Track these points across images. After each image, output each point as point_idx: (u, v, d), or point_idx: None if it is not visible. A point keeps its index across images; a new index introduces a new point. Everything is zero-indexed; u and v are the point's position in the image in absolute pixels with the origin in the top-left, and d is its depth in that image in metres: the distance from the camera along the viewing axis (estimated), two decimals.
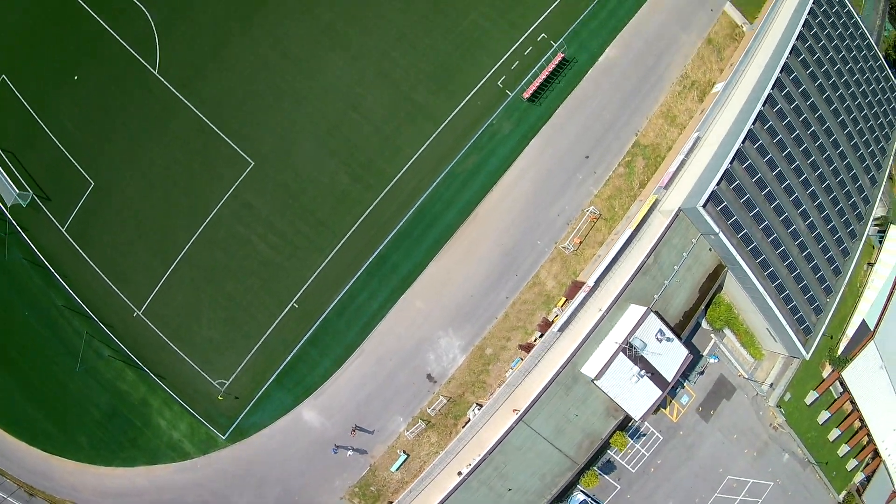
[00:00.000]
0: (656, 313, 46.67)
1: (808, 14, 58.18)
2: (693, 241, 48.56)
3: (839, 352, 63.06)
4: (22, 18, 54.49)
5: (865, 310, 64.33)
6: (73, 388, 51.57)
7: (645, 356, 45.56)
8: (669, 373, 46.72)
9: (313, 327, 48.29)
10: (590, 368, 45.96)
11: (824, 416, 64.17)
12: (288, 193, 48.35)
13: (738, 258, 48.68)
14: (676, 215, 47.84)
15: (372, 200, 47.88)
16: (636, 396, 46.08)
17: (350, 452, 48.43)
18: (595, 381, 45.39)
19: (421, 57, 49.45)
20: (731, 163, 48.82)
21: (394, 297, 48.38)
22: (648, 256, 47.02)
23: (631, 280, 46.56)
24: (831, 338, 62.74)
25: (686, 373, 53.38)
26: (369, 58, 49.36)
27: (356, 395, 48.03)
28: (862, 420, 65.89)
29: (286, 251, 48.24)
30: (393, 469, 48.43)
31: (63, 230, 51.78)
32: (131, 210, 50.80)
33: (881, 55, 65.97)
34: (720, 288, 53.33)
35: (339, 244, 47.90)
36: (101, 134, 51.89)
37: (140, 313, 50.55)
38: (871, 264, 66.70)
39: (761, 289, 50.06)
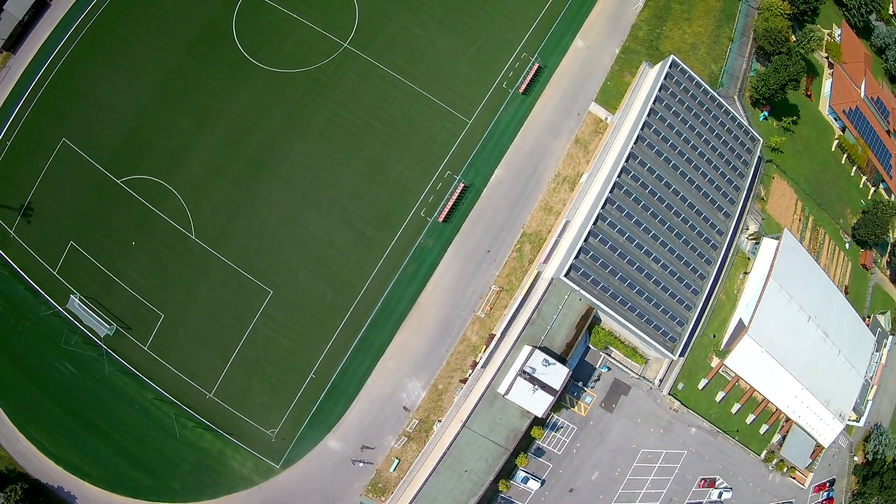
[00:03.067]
0: (541, 348, 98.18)
1: (655, 100, 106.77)
2: (565, 297, 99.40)
3: (722, 346, 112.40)
4: (79, 198, 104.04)
5: (742, 311, 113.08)
6: (166, 452, 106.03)
7: (536, 377, 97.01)
8: (557, 385, 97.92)
9: (326, 387, 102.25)
10: (503, 388, 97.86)
11: (720, 395, 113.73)
12: (296, 306, 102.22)
13: (599, 304, 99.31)
14: (550, 283, 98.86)
15: (350, 304, 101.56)
16: (536, 402, 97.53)
17: (362, 464, 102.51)
18: (506, 396, 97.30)
19: (368, 205, 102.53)
20: (584, 241, 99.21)
21: (375, 361, 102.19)
22: (533, 313, 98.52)
23: (523, 330, 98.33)
24: (714, 336, 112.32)
25: (583, 381, 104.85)
26: (334, 211, 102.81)
27: (361, 425, 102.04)
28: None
29: (302, 343, 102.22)
30: (391, 470, 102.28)
31: (146, 348, 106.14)
32: (194, 331, 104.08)
33: (734, 106, 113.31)
34: (598, 321, 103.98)
35: (335, 335, 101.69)
36: (162, 282, 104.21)
37: (211, 395, 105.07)
38: (746, 273, 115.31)
39: (622, 319, 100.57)
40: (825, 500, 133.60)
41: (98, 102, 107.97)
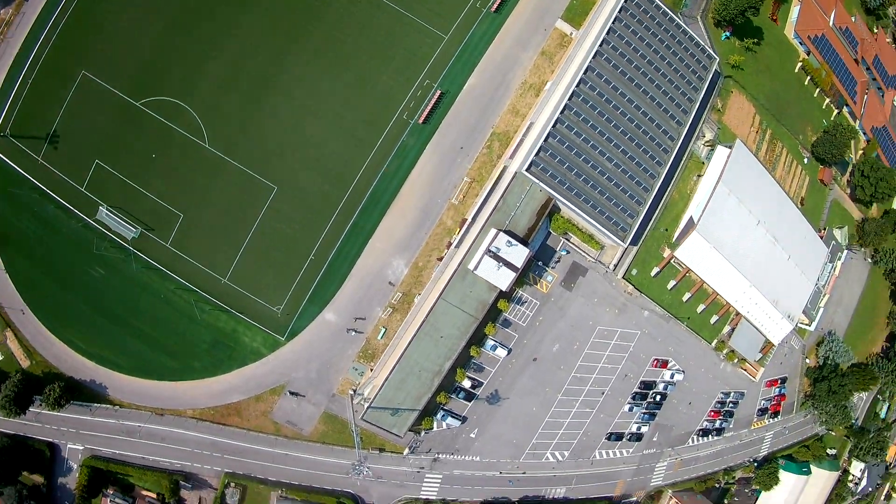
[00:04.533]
0: (506, 231, 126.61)
1: (615, 20, 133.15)
2: (527, 188, 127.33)
3: (674, 239, 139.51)
4: (102, 122, 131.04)
5: (693, 209, 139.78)
6: (187, 335, 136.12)
7: (501, 255, 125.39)
8: (519, 263, 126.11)
9: (324, 267, 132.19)
10: (472, 265, 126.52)
11: (672, 283, 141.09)
12: (297, 199, 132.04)
13: (556, 195, 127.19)
14: (514, 176, 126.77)
15: (343, 196, 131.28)
16: (501, 277, 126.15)
17: (354, 333, 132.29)
18: (475, 271, 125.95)
19: (357, 111, 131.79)
20: (544, 140, 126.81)
21: (364, 243, 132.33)
22: (499, 201, 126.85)
23: (491, 214, 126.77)
24: (666, 230, 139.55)
25: (544, 262, 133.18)
26: (328, 117, 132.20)
27: (353, 299, 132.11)
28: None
29: (302, 230, 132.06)
30: (379, 338, 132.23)
31: (168, 245, 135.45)
32: (210, 226, 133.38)
33: (696, 26, 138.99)
34: (557, 209, 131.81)
35: (330, 222, 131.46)
36: (181, 186, 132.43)
37: (226, 281, 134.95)
38: (700, 176, 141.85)
39: (577, 209, 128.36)
40: (777, 395, 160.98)
41: (114, 36, 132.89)
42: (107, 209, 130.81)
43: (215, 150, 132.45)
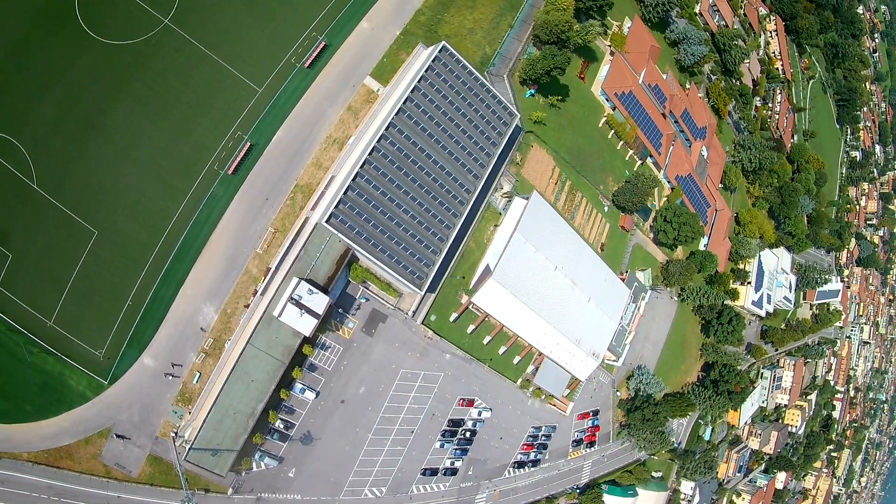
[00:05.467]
0: (307, 280, 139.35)
1: (420, 78, 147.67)
2: (327, 239, 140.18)
3: (471, 286, 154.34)
4: None
5: (490, 257, 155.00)
6: (19, 377, 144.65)
7: (303, 303, 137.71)
8: (320, 309, 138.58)
9: (140, 312, 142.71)
10: (277, 311, 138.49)
11: (471, 328, 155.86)
12: (115, 244, 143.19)
13: (354, 246, 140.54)
14: (315, 227, 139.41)
15: (158, 242, 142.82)
16: (303, 323, 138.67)
17: (171, 377, 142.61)
18: (279, 318, 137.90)
19: (174, 160, 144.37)
20: (344, 194, 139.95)
21: (177, 289, 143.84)
22: (301, 251, 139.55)
23: (292, 265, 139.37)
24: (463, 278, 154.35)
25: (345, 309, 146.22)
26: (147, 164, 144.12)
27: (168, 344, 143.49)
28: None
29: (120, 275, 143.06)
30: (194, 382, 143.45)
31: None
32: (36, 267, 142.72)
33: (502, 84, 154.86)
34: (356, 259, 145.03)
35: (146, 268, 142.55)
36: (9, 226, 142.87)
37: (51, 323, 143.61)
38: (497, 226, 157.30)
39: (374, 259, 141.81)
40: (590, 427, 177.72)
41: None
42: None
43: (42, 190, 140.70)
